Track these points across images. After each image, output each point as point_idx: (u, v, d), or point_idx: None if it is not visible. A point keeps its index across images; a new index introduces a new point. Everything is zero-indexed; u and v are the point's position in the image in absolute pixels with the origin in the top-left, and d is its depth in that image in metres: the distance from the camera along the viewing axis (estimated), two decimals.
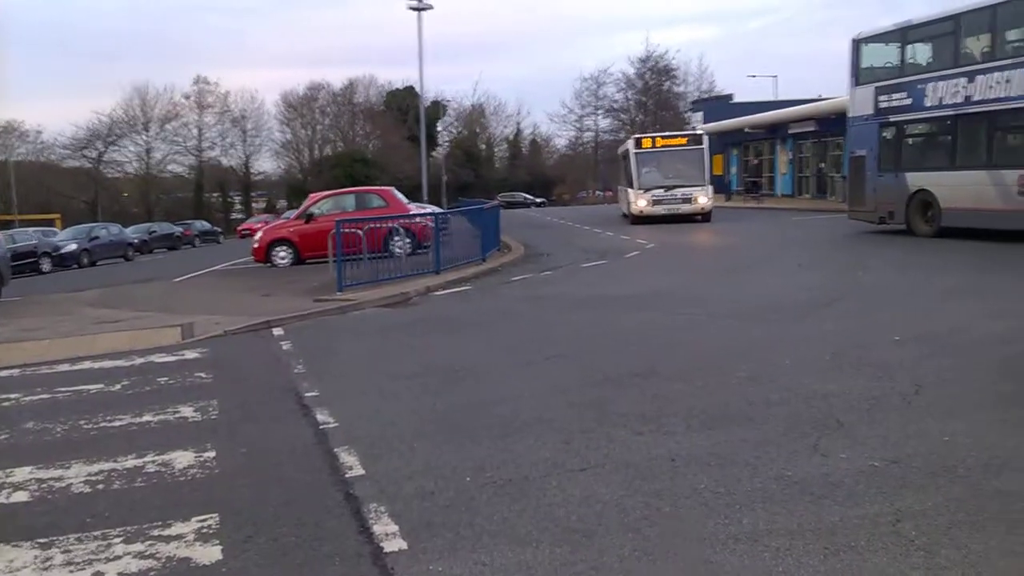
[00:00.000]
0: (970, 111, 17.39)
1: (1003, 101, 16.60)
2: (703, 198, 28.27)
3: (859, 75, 20.76)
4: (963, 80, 17.55)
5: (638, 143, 29.84)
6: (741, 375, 6.99)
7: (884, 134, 20.02)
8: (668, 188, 28.29)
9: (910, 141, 19.87)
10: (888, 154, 20.01)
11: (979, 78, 17.15)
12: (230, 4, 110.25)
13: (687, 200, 28.15)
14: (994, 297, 10.60)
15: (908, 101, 19.10)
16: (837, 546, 3.82)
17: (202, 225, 53.63)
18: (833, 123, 35.17)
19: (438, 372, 7.71)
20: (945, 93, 18.01)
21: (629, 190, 29.81)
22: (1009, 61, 16.56)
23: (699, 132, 32.09)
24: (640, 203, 28.48)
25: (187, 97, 72.44)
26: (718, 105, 56.52)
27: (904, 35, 19.49)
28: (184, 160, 73.92)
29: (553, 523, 4.24)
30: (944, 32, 18.40)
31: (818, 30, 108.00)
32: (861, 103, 20.59)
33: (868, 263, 14.98)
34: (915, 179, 19.05)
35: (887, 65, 20.22)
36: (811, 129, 39.59)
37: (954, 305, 10.23)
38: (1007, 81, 16.47)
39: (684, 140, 30.15)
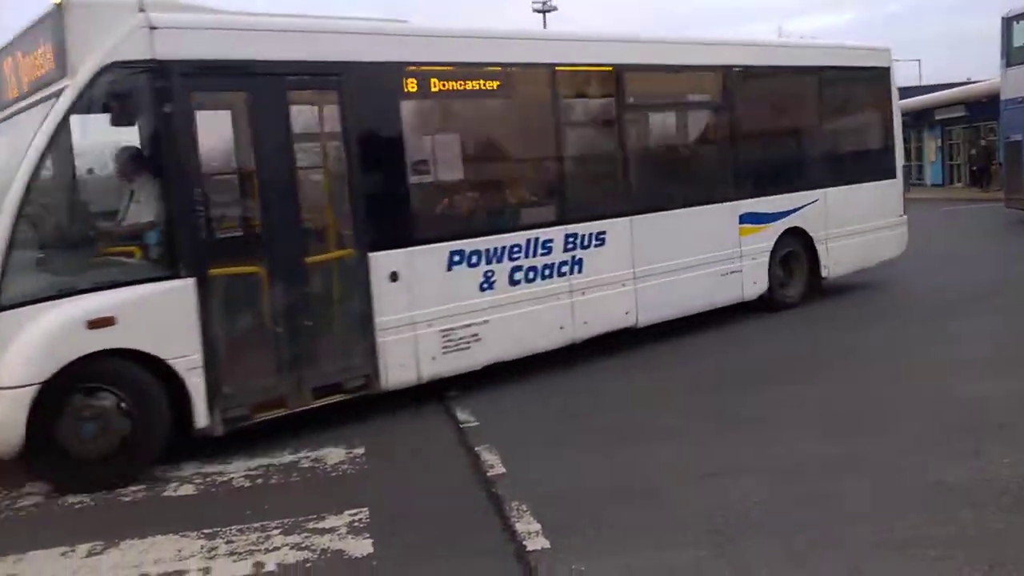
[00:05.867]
0: None
1: None
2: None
3: (1011, 55, 19.44)
4: None
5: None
6: (889, 374, 6.72)
7: None
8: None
9: None
10: None
11: None
12: None
13: None
14: None
15: None
16: (1004, 557, 3.63)
17: None
18: (985, 107, 33.12)
19: (580, 371, 7.74)
20: None
21: None
22: None
23: None
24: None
25: None
26: None
27: None
28: None
29: (695, 526, 4.21)
30: None
31: (962, 9, 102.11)
32: (1014, 85, 19.27)
33: None
34: None
35: None
36: (960, 114, 37.38)
37: None
38: None
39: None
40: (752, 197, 9.24)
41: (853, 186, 10.30)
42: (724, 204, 9.05)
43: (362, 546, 4.30)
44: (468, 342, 7.06)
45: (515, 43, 7.75)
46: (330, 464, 5.66)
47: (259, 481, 5.46)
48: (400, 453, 5.85)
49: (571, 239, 7.72)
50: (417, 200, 7.10)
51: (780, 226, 9.54)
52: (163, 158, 5.76)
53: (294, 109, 6.35)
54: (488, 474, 5.16)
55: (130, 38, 5.56)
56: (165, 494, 5.36)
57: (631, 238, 8.15)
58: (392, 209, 6.73)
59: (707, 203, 8.95)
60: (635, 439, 5.69)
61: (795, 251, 9.78)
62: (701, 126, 9.84)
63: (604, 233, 7.94)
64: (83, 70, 5.46)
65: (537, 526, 4.29)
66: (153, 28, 5.60)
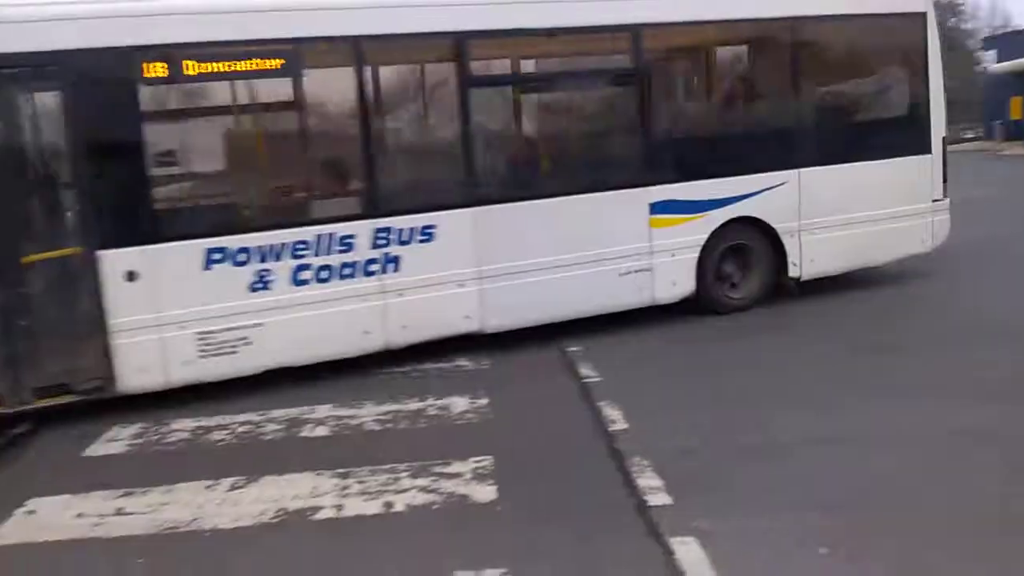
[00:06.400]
0: None
1: None
2: None
3: None
4: None
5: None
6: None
7: None
8: None
9: None
10: None
11: None
12: None
13: None
14: None
15: None
16: None
17: None
18: None
19: (704, 332, 7.69)
20: None
21: None
22: None
23: None
24: None
25: None
26: (1015, 41, 50.42)
27: None
28: None
29: (819, 493, 4.16)
30: None
31: None
32: None
33: None
34: None
35: None
36: None
37: None
38: None
39: None
40: (672, 182, 7.62)
41: (849, 165, 8.22)
42: (625, 191, 7.54)
43: (486, 492, 4.44)
44: (235, 346, 6.50)
45: (302, 15, 6.56)
46: (455, 412, 5.82)
47: (388, 425, 5.67)
48: (522, 405, 5.96)
49: (382, 234, 6.81)
50: (161, 194, 6.60)
51: (720, 215, 7.83)
52: None
53: (4, 103, 6.07)
54: (609, 429, 5.20)
55: None
56: (301, 434, 5.66)
57: (474, 232, 7.06)
58: (127, 205, 6.25)
59: (596, 190, 7.48)
60: (762, 400, 5.62)
61: (748, 245, 8.04)
62: (593, 98, 8.39)
63: (432, 227, 6.94)
64: None
65: (659, 482, 4.31)
66: None
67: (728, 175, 7.84)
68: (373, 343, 6.90)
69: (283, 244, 6.56)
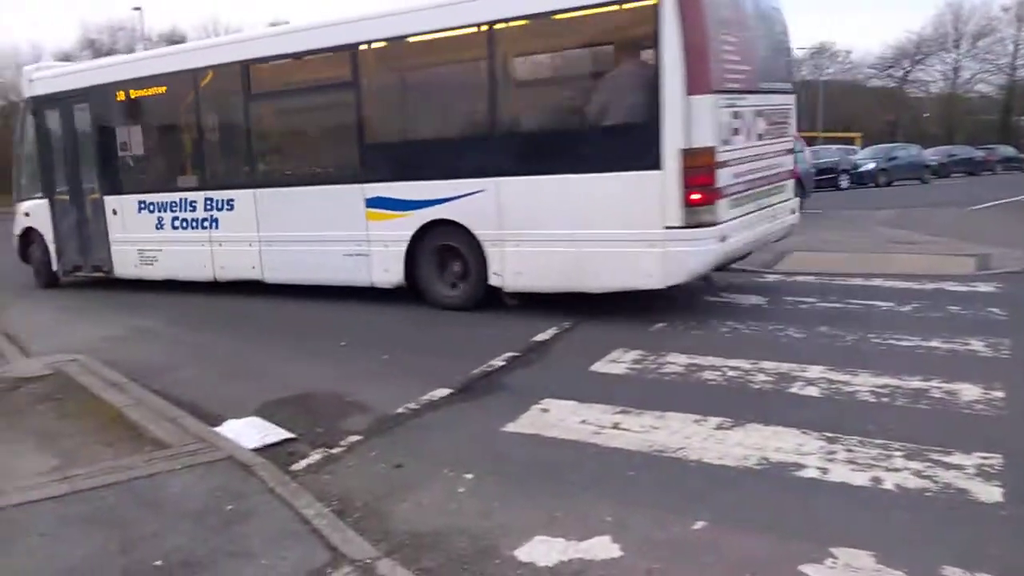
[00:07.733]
0: None
1: None
2: None
3: None
4: None
5: None
6: None
7: None
8: None
9: None
10: None
11: None
12: None
13: None
14: None
15: None
16: None
17: (1006, 151, 49.26)
18: None
19: None
20: None
21: None
22: None
23: None
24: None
25: (1005, 10, 65.96)
26: None
27: None
28: (994, 80, 68.01)
29: None
30: None
31: None
32: None
33: None
34: None
35: None
36: None
37: None
38: None
39: None
40: (382, 181, 8.88)
41: (549, 177, 7.77)
42: (346, 186, 9.16)
43: (990, 492, 4.00)
44: (151, 262, 11.19)
45: (169, 57, 11.30)
46: (963, 400, 5.28)
47: (884, 399, 5.36)
48: None
49: (209, 202, 10.45)
50: (122, 166, 11.36)
51: (423, 216, 8.61)
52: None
53: (79, 120, 11.73)
54: None
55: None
56: (790, 390, 5.62)
57: (255, 207, 9.99)
58: (112, 171, 11.42)
59: (326, 183, 9.40)
60: None
61: (454, 247, 8.54)
62: (327, 110, 9.94)
63: (233, 200, 10.23)
64: None
65: None
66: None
67: (428, 179, 8.54)
68: (207, 275, 10.61)
69: (167, 202, 10.85)
